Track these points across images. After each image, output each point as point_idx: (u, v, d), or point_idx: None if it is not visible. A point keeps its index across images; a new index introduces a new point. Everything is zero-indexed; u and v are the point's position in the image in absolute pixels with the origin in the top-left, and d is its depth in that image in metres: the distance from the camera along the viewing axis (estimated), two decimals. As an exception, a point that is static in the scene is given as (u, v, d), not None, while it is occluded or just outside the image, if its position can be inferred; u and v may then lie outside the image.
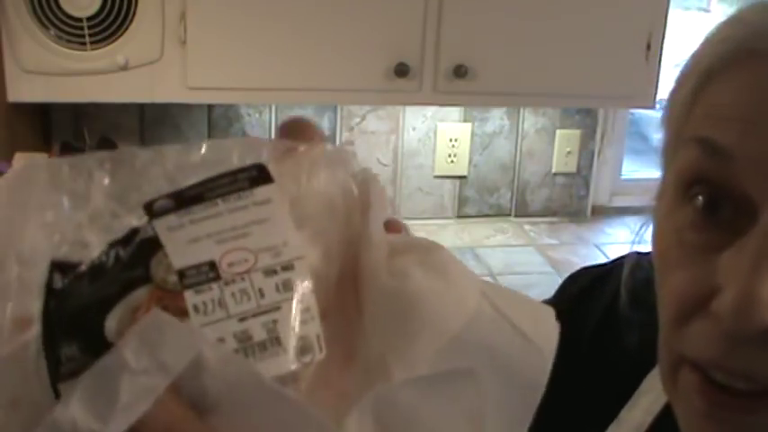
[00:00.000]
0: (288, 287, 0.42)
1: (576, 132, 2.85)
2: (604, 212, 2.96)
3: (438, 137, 2.75)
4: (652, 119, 4.22)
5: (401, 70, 2.21)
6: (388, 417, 0.41)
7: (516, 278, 2.47)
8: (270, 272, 0.42)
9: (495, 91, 2.35)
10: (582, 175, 2.91)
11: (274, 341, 0.41)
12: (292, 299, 0.42)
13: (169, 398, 0.37)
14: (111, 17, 2.06)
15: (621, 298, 0.82)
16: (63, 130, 2.51)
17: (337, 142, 2.65)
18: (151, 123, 2.57)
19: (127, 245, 0.44)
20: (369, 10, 2.19)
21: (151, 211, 0.43)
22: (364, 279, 0.45)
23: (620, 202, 2.99)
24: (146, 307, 0.41)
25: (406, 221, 0.50)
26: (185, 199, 0.44)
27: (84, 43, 2.06)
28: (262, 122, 2.60)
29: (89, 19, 2.05)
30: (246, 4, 2.14)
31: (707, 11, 4.34)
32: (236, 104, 2.56)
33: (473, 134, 2.78)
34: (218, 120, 2.60)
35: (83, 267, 0.44)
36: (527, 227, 2.83)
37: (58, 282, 0.43)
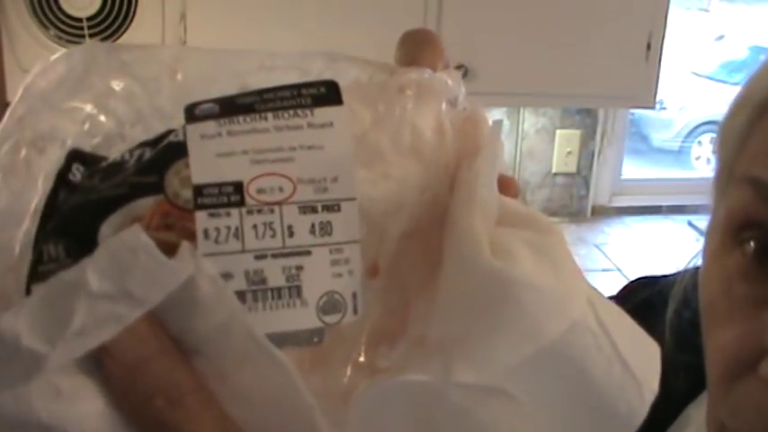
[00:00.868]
0: (326, 231, 0.35)
1: (576, 132, 2.85)
2: (604, 212, 2.96)
3: (438, 137, 2.75)
4: (652, 119, 4.23)
5: (401, 70, 2.21)
6: (411, 409, 0.36)
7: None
8: (307, 208, 0.35)
9: (495, 91, 2.35)
10: (582, 176, 2.91)
11: (293, 291, 0.35)
12: (328, 245, 0.35)
13: (146, 329, 0.33)
14: (111, 17, 2.06)
15: (666, 341, 0.72)
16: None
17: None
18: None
19: (155, 146, 0.38)
20: (368, 11, 2.19)
21: (192, 114, 0.37)
22: (460, 246, 0.37)
23: (620, 202, 2.99)
24: (148, 220, 0.35)
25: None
26: (233, 107, 0.37)
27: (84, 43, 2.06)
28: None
29: (89, 19, 2.04)
30: (246, 4, 2.14)
31: (707, 11, 4.34)
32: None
33: (473, 134, 2.77)
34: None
35: (104, 163, 0.39)
36: (527, 227, 2.83)
37: (76, 173, 0.39)
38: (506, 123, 2.80)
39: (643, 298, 0.86)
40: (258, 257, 0.35)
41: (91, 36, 2.05)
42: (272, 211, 0.35)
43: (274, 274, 0.35)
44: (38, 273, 0.36)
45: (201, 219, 0.34)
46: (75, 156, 0.39)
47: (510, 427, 0.36)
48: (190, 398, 0.34)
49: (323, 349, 0.37)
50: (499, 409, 0.36)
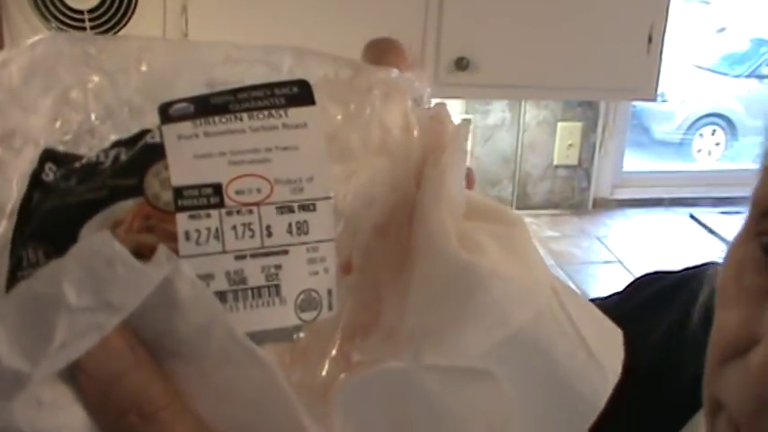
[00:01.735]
0: (302, 230, 0.36)
1: (578, 125, 2.85)
2: (606, 205, 2.96)
3: (439, 129, 2.75)
4: (654, 111, 4.23)
5: (402, 63, 2.21)
6: (389, 398, 0.37)
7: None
8: (284, 208, 0.36)
9: (497, 83, 2.35)
10: (583, 168, 2.91)
11: (273, 289, 0.36)
12: (305, 244, 0.36)
13: (120, 342, 0.33)
14: (113, 9, 2.06)
15: (693, 316, 0.74)
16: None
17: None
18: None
19: (131, 147, 0.38)
20: (370, 2, 2.19)
21: (166, 113, 0.37)
22: (428, 239, 0.38)
23: (621, 194, 2.99)
24: (129, 223, 0.35)
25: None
26: (208, 106, 0.37)
27: (85, 36, 2.06)
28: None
29: (90, 11, 2.04)
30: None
31: (708, 3, 4.33)
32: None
33: (475, 127, 2.77)
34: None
35: (77, 163, 0.38)
36: (528, 219, 2.83)
37: (50, 173, 0.38)
38: (508, 116, 2.80)
39: (651, 292, 0.86)
40: (238, 258, 0.35)
41: (92, 29, 2.05)
42: (250, 212, 0.35)
43: (254, 273, 0.35)
44: (17, 278, 0.35)
45: (182, 220, 0.35)
46: (47, 155, 0.39)
47: (483, 410, 0.38)
48: (164, 413, 0.34)
49: (301, 345, 0.37)
50: (473, 391, 0.38)
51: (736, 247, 0.58)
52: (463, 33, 2.25)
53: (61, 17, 2.03)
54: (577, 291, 2.22)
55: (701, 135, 4.23)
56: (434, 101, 0.42)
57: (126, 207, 0.35)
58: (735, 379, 0.54)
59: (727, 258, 0.59)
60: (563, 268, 2.42)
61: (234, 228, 0.35)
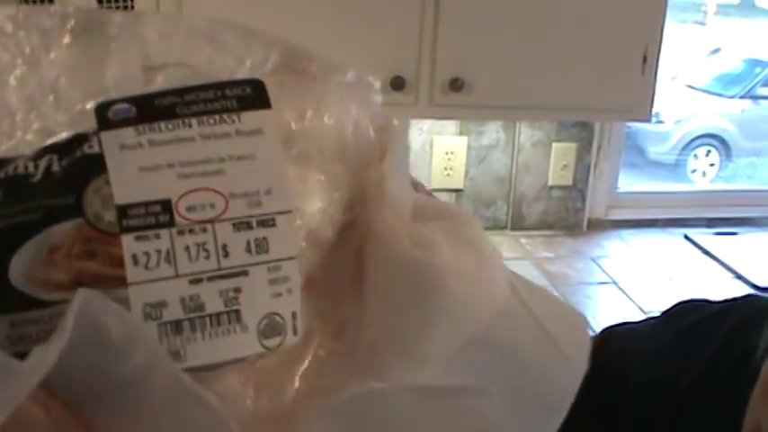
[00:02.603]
0: (262, 248, 0.33)
1: (572, 145, 2.85)
2: (600, 226, 2.96)
3: (434, 150, 2.75)
4: (648, 132, 4.23)
5: (397, 84, 2.21)
6: (364, 426, 0.34)
7: (512, 291, 2.45)
8: (242, 225, 0.32)
9: (491, 104, 2.35)
10: (578, 189, 2.90)
11: (232, 315, 0.32)
12: (266, 263, 0.33)
13: (31, 408, 0.29)
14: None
15: (759, 350, 0.69)
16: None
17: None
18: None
19: (65, 156, 0.33)
20: (365, 24, 2.19)
21: (104, 117, 0.33)
22: (377, 243, 0.36)
23: (616, 215, 2.99)
24: (68, 248, 0.31)
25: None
26: (151, 110, 0.33)
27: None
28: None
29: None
30: (243, 3, 2.13)
31: (702, 24, 4.35)
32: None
33: (469, 147, 2.77)
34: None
35: (1, 173, 0.33)
36: (523, 240, 2.83)
37: None
38: (502, 136, 2.80)
39: (693, 321, 0.83)
40: (193, 282, 0.32)
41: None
42: (204, 231, 0.32)
43: (211, 298, 0.32)
44: None
45: (129, 243, 0.31)
46: None
47: (476, 423, 0.36)
48: None
49: (264, 369, 0.34)
50: (451, 410, 0.35)
51: None
52: (458, 54, 2.25)
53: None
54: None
55: (695, 156, 4.23)
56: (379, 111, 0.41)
57: (63, 230, 0.32)
58: None
59: None
60: (558, 289, 2.41)
61: (187, 249, 0.32)
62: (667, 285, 2.50)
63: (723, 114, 4.26)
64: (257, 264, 0.33)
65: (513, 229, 2.88)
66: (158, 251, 0.31)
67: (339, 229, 0.37)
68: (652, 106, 2.42)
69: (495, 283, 0.37)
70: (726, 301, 0.83)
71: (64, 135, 0.33)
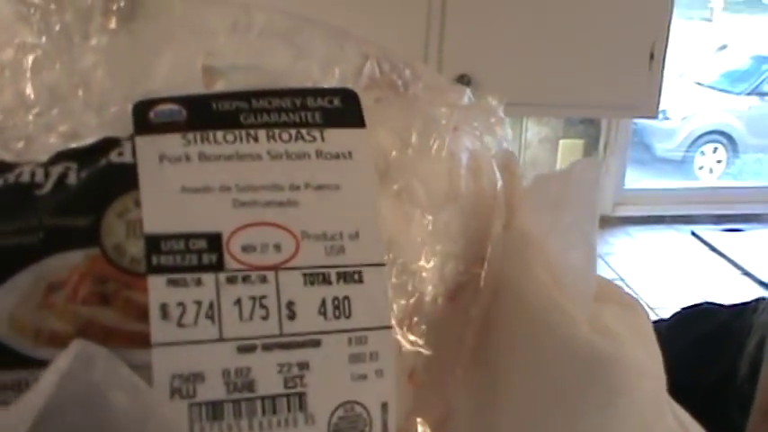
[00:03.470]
0: (342, 311, 0.24)
1: (579, 142, 2.85)
2: (607, 223, 2.96)
3: (441, 147, 2.75)
4: (655, 129, 4.23)
5: (404, 80, 2.21)
6: None
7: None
8: (316, 277, 0.24)
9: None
10: (585, 185, 2.90)
11: (294, 401, 0.23)
12: (346, 333, 0.24)
13: None
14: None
15: (740, 371, 0.67)
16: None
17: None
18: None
19: (86, 164, 0.24)
20: (371, 21, 2.19)
21: (144, 118, 0.24)
22: (532, 320, 0.28)
23: (623, 212, 2.98)
24: (73, 288, 0.23)
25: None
26: (208, 114, 0.25)
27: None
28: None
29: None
30: None
31: (710, 20, 4.34)
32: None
33: (476, 144, 2.77)
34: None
35: (0, 179, 0.25)
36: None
37: None
38: (509, 133, 2.79)
39: (699, 336, 0.80)
40: (243, 350, 0.23)
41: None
42: (263, 281, 0.24)
43: (267, 375, 0.23)
44: None
45: (158, 288, 0.23)
46: None
47: None
48: None
49: None
50: None
51: None
52: (465, 51, 2.25)
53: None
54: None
55: (702, 152, 4.22)
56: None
57: (70, 262, 0.23)
58: None
59: None
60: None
61: (238, 303, 0.23)
62: (674, 282, 2.50)
63: (730, 111, 4.24)
64: (335, 332, 0.24)
65: (519, 225, 2.87)
66: (198, 303, 0.23)
67: (451, 294, 0.29)
68: (659, 103, 2.41)
69: (661, 393, 0.29)
70: (732, 306, 0.80)
71: (90, 140, 0.25)
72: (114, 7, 0.26)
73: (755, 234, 2.87)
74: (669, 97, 2.97)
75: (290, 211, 0.24)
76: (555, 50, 2.31)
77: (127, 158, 0.24)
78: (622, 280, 2.50)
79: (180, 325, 0.23)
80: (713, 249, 2.75)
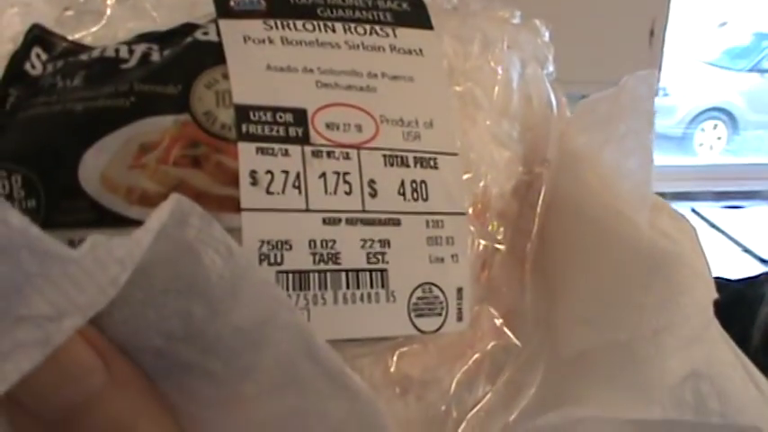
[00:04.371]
0: (420, 194, 0.25)
1: (579, 119, 2.84)
2: (607, 200, 2.96)
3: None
4: (655, 106, 4.21)
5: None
6: None
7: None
8: (395, 159, 0.24)
9: (498, 78, 2.34)
10: (585, 163, 2.90)
11: (377, 277, 0.24)
12: (424, 215, 0.25)
13: (82, 352, 0.20)
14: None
15: (753, 339, 0.67)
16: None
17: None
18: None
19: (168, 45, 0.26)
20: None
21: (225, 4, 0.26)
22: (592, 223, 0.28)
23: (623, 189, 2.98)
24: (165, 150, 0.23)
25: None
26: (286, 5, 0.26)
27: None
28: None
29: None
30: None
31: (710, -3, 4.33)
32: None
33: (476, 121, 2.77)
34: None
35: (83, 56, 0.25)
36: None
37: (37, 64, 0.26)
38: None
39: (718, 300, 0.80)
40: (328, 222, 0.24)
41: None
42: (347, 157, 0.24)
43: (351, 248, 0.24)
44: None
45: (248, 154, 0.23)
46: (39, 36, 0.26)
47: None
48: None
49: (414, 362, 0.25)
50: None
51: None
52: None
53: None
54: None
55: (702, 129, 4.21)
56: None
57: (161, 125, 0.24)
58: None
59: None
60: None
61: (323, 176, 0.24)
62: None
63: (731, 88, 4.24)
64: (414, 213, 0.25)
65: (519, 203, 2.87)
66: (285, 173, 0.23)
67: (517, 191, 0.29)
68: (659, 80, 2.41)
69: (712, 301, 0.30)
70: (741, 280, 0.80)
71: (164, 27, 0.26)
72: None
73: (756, 211, 2.87)
74: (669, 74, 2.96)
75: (369, 95, 0.25)
76: (554, 27, 2.30)
77: (212, 37, 0.25)
78: (622, 257, 2.50)
79: (269, 192, 0.23)
80: (713, 226, 2.75)
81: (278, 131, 0.24)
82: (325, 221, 0.24)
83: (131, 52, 0.25)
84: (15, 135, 0.25)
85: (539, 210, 0.30)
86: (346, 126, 0.25)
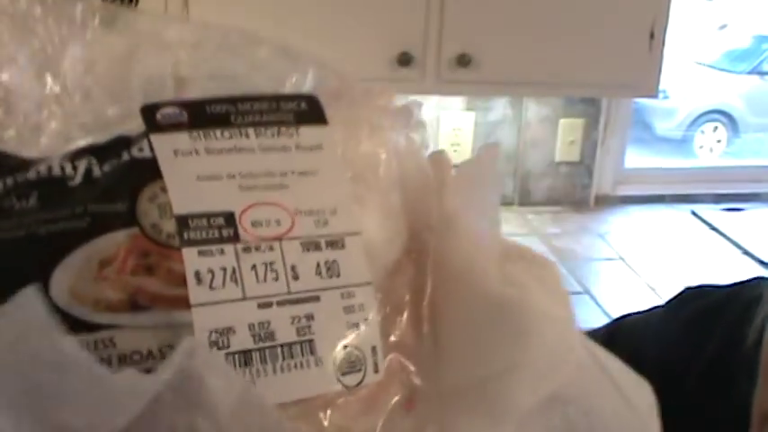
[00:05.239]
0: (333, 272, 0.29)
1: (579, 121, 2.85)
2: (608, 202, 2.96)
3: (441, 126, 2.75)
4: (655, 108, 4.22)
5: (404, 59, 2.21)
6: None
7: (519, 267, 2.46)
8: (310, 245, 0.28)
9: (499, 80, 2.34)
10: (585, 165, 2.90)
11: (306, 346, 0.28)
12: (338, 289, 0.29)
13: None
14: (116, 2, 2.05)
15: (747, 335, 0.70)
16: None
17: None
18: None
19: (107, 159, 0.28)
20: (372, 1, 2.19)
21: (153, 119, 0.29)
22: (460, 278, 0.32)
23: (623, 191, 2.99)
24: (121, 261, 0.26)
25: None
26: (204, 116, 0.29)
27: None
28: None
29: None
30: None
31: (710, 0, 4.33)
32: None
33: (476, 123, 2.77)
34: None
35: (31, 173, 0.28)
36: (530, 216, 2.83)
37: None
38: (509, 112, 2.79)
39: (697, 309, 0.82)
40: (262, 306, 0.27)
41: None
42: (271, 249, 0.28)
43: (283, 325, 0.28)
44: None
45: (191, 258, 0.27)
46: None
47: None
48: None
49: (344, 413, 0.29)
50: None
51: None
52: (465, 30, 2.25)
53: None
54: (579, 288, 2.22)
55: (702, 132, 4.22)
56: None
57: (115, 241, 0.27)
58: None
59: None
60: (564, 265, 2.42)
61: (254, 268, 0.28)
62: (674, 261, 2.50)
63: (730, 90, 4.25)
64: (330, 288, 0.29)
65: (520, 204, 2.88)
66: (223, 269, 0.27)
67: (398, 260, 0.33)
68: (659, 82, 2.41)
69: (575, 334, 0.34)
70: (732, 284, 0.82)
71: (91, 139, 0.29)
72: (95, 22, 0.30)
73: (755, 213, 2.88)
74: (669, 77, 2.96)
75: (283, 192, 0.29)
76: (555, 30, 2.31)
77: (146, 153, 0.28)
78: (622, 259, 2.51)
79: (212, 288, 0.27)
80: (713, 228, 2.75)
81: (213, 234, 0.27)
82: (259, 306, 0.27)
83: (75, 168, 0.28)
84: None
85: (428, 271, 0.34)
86: (267, 222, 0.29)
